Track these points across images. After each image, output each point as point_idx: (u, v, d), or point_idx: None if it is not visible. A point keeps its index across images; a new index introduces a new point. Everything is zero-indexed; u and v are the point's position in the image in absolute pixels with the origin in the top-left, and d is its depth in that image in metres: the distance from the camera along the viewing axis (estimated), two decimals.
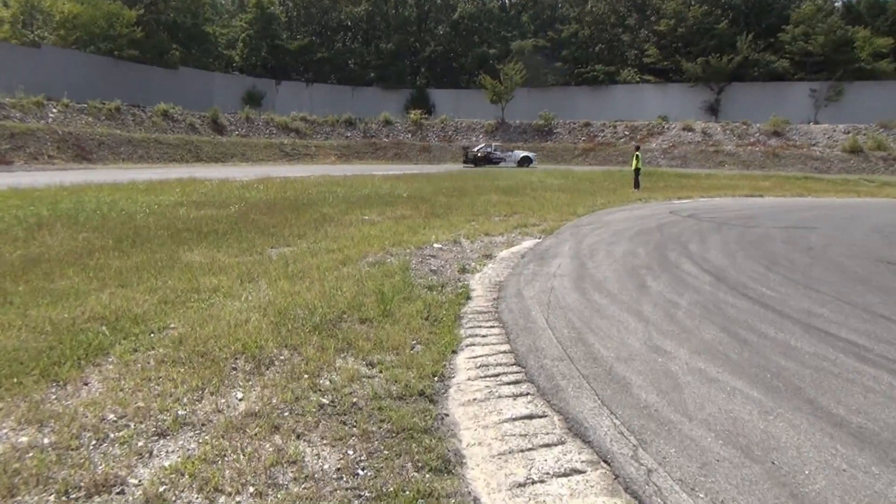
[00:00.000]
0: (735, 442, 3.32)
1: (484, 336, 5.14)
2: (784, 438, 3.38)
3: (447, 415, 3.66)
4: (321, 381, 3.99)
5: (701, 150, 44.66)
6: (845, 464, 3.13)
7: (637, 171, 23.17)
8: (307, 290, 5.93)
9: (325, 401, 3.71)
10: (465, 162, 41.22)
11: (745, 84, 51.98)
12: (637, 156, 23.46)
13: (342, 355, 4.46)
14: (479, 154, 40.81)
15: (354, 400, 3.74)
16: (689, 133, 46.51)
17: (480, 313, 5.81)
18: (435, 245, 9.31)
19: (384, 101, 60.57)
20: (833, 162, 42.15)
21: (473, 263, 8.18)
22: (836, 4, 56.95)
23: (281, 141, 46.45)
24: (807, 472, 3.04)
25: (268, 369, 4.14)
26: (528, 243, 10.10)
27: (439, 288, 6.61)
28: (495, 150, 42.28)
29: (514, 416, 3.63)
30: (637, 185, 22.86)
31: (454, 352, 4.71)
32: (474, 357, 4.64)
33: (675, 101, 52.11)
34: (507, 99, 51.50)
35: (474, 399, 3.88)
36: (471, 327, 5.36)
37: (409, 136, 52.13)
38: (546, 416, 3.66)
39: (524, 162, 40.80)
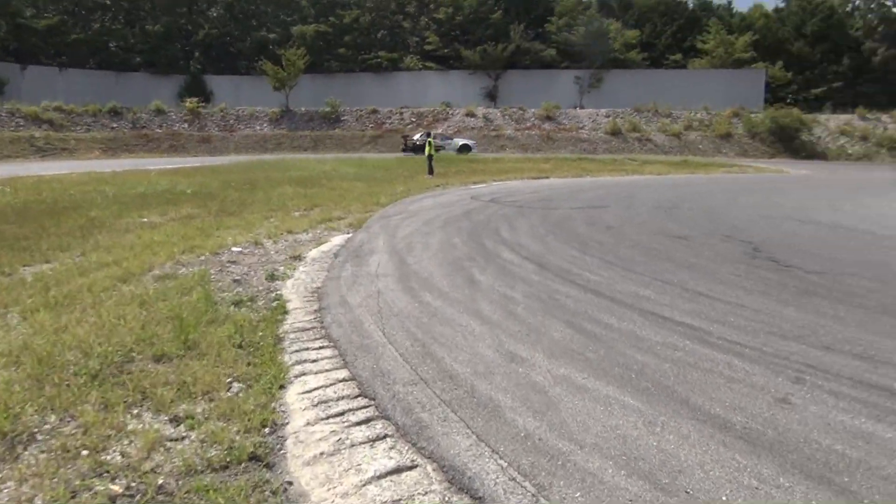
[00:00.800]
0: (637, 469, 2.89)
1: (315, 361, 4.31)
2: (682, 456, 3.02)
3: (291, 483, 2.83)
4: (109, 458, 2.94)
5: (484, 134, 46.42)
6: (755, 479, 2.82)
7: (430, 157, 23.18)
8: (78, 324, 4.64)
9: (116, 489, 2.69)
10: (403, 150, 40.73)
11: (519, 71, 54.95)
12: (429, 142, 23.46)
13: (135, 412, 3.40)
14: (417, 142, 40.02)
15: (160, 481, 2.76)
16: (473, 119, 48.18)
17: (304, 330, 4.96)
18: (234, 249, 8.17)
19: (155, 88, 55.38)
20: (598, 143, 46.07)
21: (282, 268, 7.23)
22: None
23: (31, 134, 40.46)
24: (724, 499, 2.68)
25: (26, 450, 2.99)
26: (337, 239, 9.29)
27: (248, 303, 5.62)
28: (434, 138, 41.35)
29: (378, 473, 2.88)
30: (431, 171, 22.88)
31: (282, 387, 3.83)
32: (309, 391, 3.81)
33: (457, 88, 53.70)
34: (290, 86, 49.51)
35: (321, 453, 3.07)
36: (296, 351, 4.49)
37: (186, 126, 48.08)
38: (417, 465, 2.97)
39: (463, 149, 41.05)
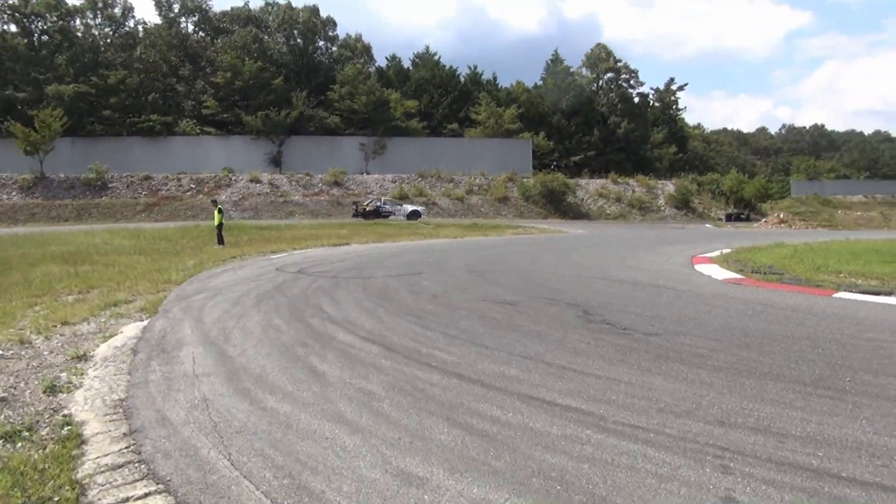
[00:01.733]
0: None
1: None
2: None
3: None
4: None
5: (271, 200, 44.84)
6: None
7: (220, 226, 21.48)
8: None
9: None
10: (354, 215, 41.16)
11: (303, 137, 54.33)
12: (219, 209, 21.76)
13: None
14: (367, 208, 41.07)
15: None
16: (258, 185, 46.40)
17: (116, 469, 3.67)
18: None
19: None
20: None
21: (65, 374, 5.67)
22: (371, 70, 64.14)
23: None
24: None
25: None
26: (131, 329, 7.73)
27: (26, 433, 4.15)
28: (384, 203, 42.81)
29: None
30: (221, 241, 21.17)
31: None
32: None
33: (239, 153, 51.63)
34: (46, 150, 44.08)
35: None
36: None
37: None
38: None
39: (413, 216, 41.13)
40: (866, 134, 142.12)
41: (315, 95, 55.63)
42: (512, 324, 7.93)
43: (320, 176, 48.34)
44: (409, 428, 4.26)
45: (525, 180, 52.84)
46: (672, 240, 25.82)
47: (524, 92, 69.98)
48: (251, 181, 46.46)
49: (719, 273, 13.61)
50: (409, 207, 43.08)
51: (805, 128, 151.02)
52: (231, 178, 46.66)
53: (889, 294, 10.45)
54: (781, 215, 42.12)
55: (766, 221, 41.52)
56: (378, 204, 42.63)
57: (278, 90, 53.92)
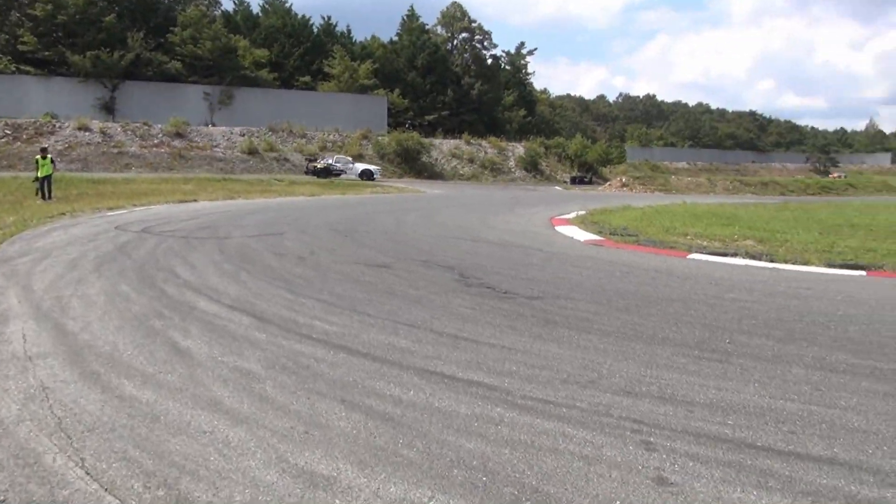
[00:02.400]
0: None
1: None
2: None
3: None
4: None
5: (103, 151, 40.80)
6: None
7: (47, 178, 19.09)
8: None
9: None
10: (306, 173, 40.83)
11: (140, 83, 49.69)
12: (49, 159, 19.29)
13: None
14: (318, 166, 40.47)
15: None
16: (87, 133, 41.95)
17: None
18: None
19: None
20: (236, 163, 44.10)
21: None
22: (216, 13, 59.74)
23: None
24: None
25: None
26: None
27: None
28: (336, 161, 41.76)
29: None
30: (48, 196, 18.87)
31: None
32: None
33: (64, 97, 46.25)
34: None
35: None
36: None
37: None
38: None
39: (365, 175, 39.49)
40: (690, 105, 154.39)
41: (153, 37, 50.80)
42: (390, 288, 7.51)
43: (160, 126, 44.50)
44: (301, 414, 3.75)
45: (380, 138, 52.01)
46: (527, 201, 26.45)
47: (379, 47, 68.54)
48: (79, 129, 41.76)
49: (580, 234, 13.97)
50: (361, 167, 42.56)
51: (639, 97, 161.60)
52: (55, 125, 41.68)
53: (734, 255, 11.15)
54: (623, 179, 44.65)
55: (609, 185, 43.87)
56: (329, 162, 41.66)
57: (110, 28, 48.56)
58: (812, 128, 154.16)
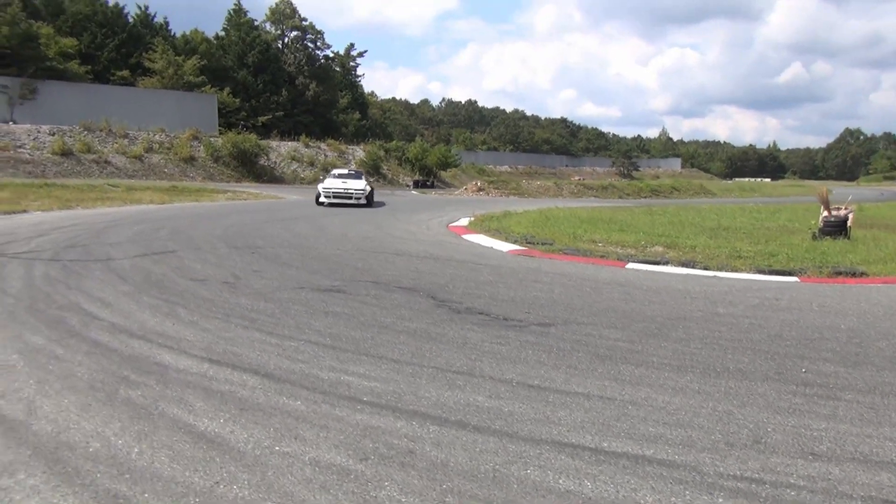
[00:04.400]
0: None
1: None
2: None
3: None
4: None
5: None
6: None
7: None
8: None
9: None
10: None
11: None
12: None
13: None
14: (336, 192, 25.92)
15: None
16: None
17: None
18: None
19: None
20: (47, 165, 38.64)
21: None
22: None
23: None
24: None
25: None
26: None
27: None
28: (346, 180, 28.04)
29: None
30: None
31: None
32: None
33: None
34: None
35: None
36: None
37: None
38: None
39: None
40: (508, 111, 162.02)
41: None
42: (375, 320, 6.33)
43: None
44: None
45: (213, 139, 48.39)
46: (401, 207, 25.51)
47: (203, 42, 63.92)
48: None
49: (496, 244, 13.35)
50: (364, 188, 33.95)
51: (461, 102, 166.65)
52: None
53: (666, 263, 11.10)
54: (479, 183, 45.11)
55: (466, 189, 44.06)
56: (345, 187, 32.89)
57: None
58: (614, 134, 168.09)
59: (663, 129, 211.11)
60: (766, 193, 62.61)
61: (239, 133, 49.81)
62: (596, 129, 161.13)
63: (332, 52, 76.29)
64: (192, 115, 51.30)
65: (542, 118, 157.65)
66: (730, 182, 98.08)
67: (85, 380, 4.36)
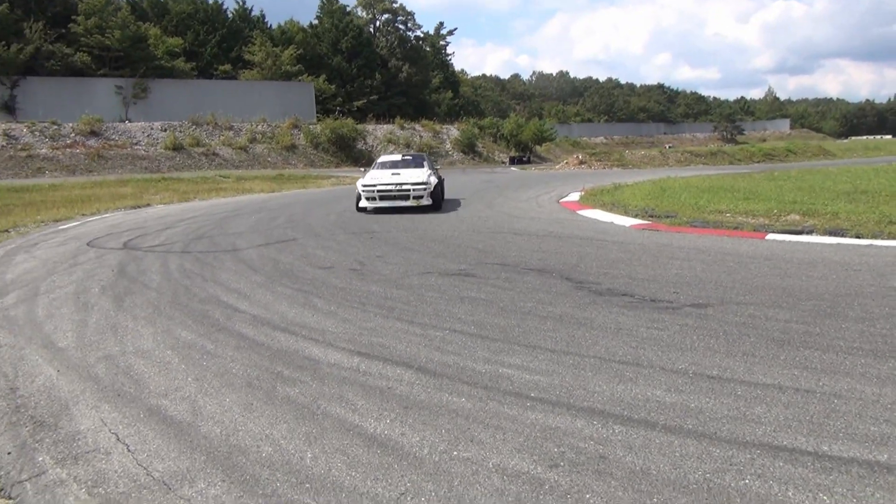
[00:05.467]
0: None
1: None
2: None
3: None
4: None
5: (10, 155, 36.67)
6: None
7: None
8: None
9: None
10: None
11: (44, 78, 45.12)
12: None
13: None
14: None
15: None
16: None
17: None
18: None
19: None
20: (161, 160, 40.72)
21: None
22: (121, 0, 55.15)
23: None
24: None
25: None
26: None
27: None
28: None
29: None
30: None
31: None
32: None
33: None
34: None
35: None
36: None
37: None
38: None
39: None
40: (601, 81, 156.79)
41: (53, 28, 46.16)
42: (515, 305, 6.00)
43: (71, 125, 40.44)
44: None
45: (312, 126, 49.44)
46: (506, 185, 25.09)
47: (300, 32, 65.31)
48: None
49: (616, 219, 12.71)
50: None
51: (552, 74, 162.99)
52: None
53: (810, 233, 10.18)
54: (580, 156, 44.00)
55: (567, 163, 43.10)
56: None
57: (4, 19, 43.78)
58: (715, 98, 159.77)
59: (769, 89, 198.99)
60: (892, 151, 57.71)
61: (336, 119, 50.66)
62: (695, 93, 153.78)
63: (423, 32, 76.06)
64: (292, 103, 52.61)
65: (638, 85, 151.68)
66: (846, 141, 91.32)
67: (241, 377, 4.27)
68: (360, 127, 51.66)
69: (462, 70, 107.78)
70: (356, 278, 7.37)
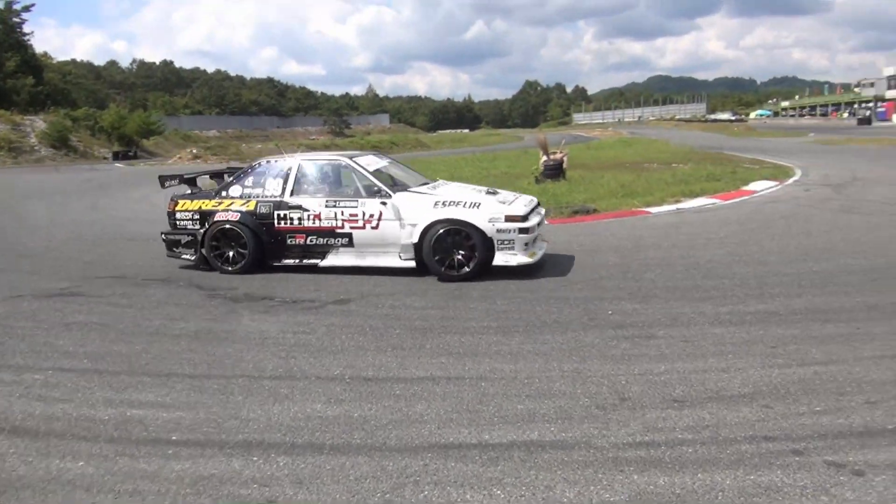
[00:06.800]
0: None
1: None
2: None
3: None
4: None
5: None
6: None
7: None
8: None
9: None
10: None
11: None
12: None
13: None
14: None
15: None
16: None
17: None
18: None
19: None
20: None
21: None
22: None
23: None
24: None
25: None
26: None
27: None
28: None
29: None
30: None
31: None
32: None
33: None
34: None
35: None
36: None
37: None
38: None
39: None
40: (209, 72, 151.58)
41: None
42: (137, 326, 5.17)
43: None
44: None
45: None
46: (111, 183, 22.27)
47: None
48: None
49: None
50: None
51: (156, 63, 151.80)
52: None
53: None
54: (193, 150, 41.36)
55: (179, 157, 40.11)
56: None
57: None
58: (322, 93, 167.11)
59: (370, 87, 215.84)
60: (473, 143, 67.17)
61: None
62: (304, 88, 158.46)
63: None
64: None
65: (248, 78, 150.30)
66: (435, 134, 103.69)
67: None
68: None
69: (45, 53, 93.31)
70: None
